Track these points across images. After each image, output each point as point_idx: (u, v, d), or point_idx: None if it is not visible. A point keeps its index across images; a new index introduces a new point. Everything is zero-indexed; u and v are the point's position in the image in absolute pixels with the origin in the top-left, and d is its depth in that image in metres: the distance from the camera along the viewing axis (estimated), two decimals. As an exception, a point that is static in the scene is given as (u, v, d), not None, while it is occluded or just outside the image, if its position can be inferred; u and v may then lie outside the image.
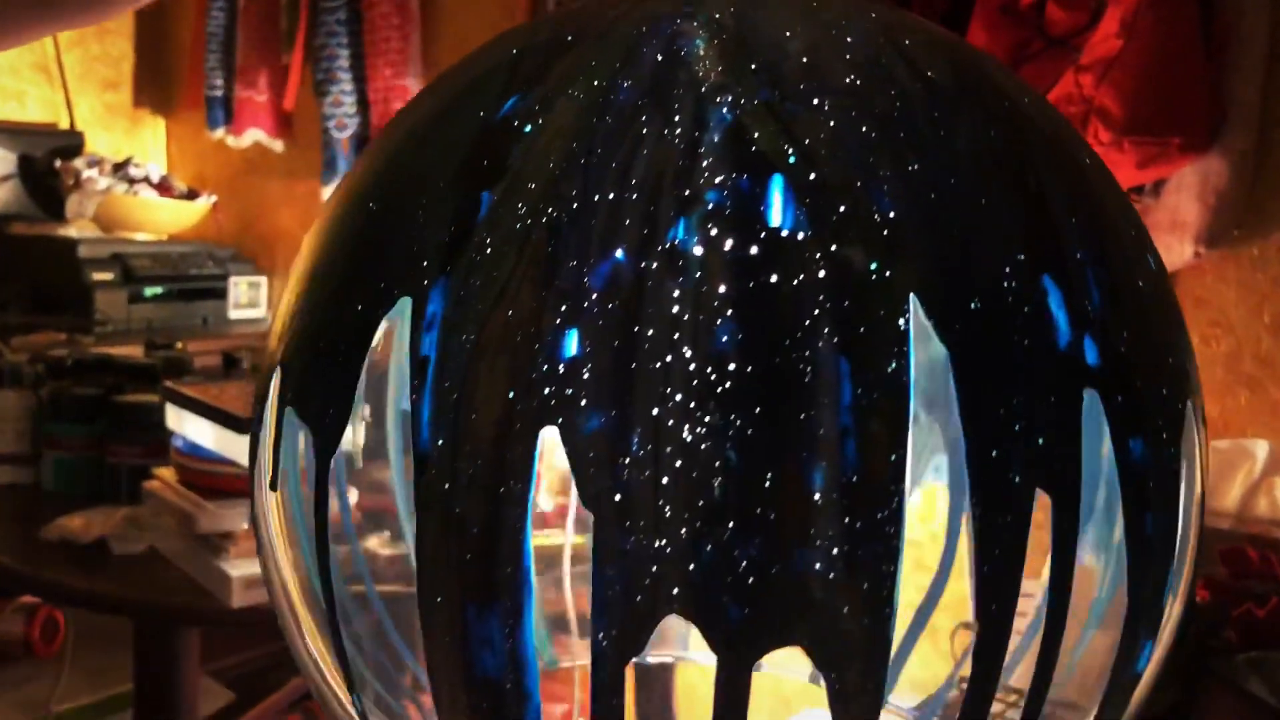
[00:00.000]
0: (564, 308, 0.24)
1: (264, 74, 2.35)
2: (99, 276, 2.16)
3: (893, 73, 0.27)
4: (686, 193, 0.25)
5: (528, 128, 0.27)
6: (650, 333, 0.24)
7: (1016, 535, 0.24)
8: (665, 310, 0.24)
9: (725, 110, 0.26)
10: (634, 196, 0.25)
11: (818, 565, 0.24)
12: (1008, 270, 0.25)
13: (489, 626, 0.25)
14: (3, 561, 1.18)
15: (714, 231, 0.24)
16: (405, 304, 0.26)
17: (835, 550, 0.24)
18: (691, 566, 0.24)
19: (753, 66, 0.27)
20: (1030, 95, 0.30)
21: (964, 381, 0.24)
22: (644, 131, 0.26)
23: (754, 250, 0.24)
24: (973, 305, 0.24)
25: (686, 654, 0.43)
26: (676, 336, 0.24)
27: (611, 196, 0.25)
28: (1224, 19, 1.27)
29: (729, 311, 0.24)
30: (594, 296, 0.24)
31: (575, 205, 0.25)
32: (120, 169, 2.33)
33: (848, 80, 0.27)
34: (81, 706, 1.39)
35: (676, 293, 0.24)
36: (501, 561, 0.25)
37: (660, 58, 0.27)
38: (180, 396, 1.20)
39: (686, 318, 0.24)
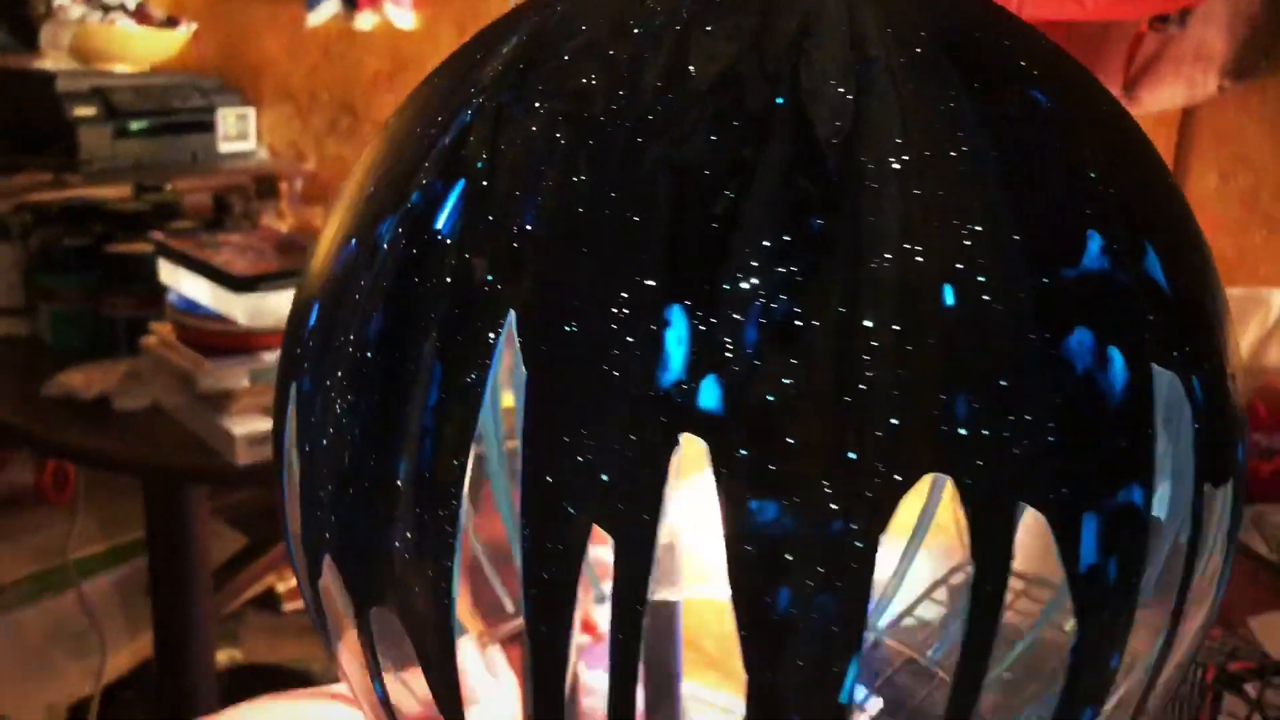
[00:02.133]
0: (318, 285, 0.29)
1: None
2: (80, 112, 2.08)
3: (640, 71, 0.25)
4: (402, 193, 0.27)
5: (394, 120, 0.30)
6: (341, 314, 0.27)
7: (567, 566, 0.24)
8: (352, 296, 0.27)
9: (469, 112, 0.27)
10: (382, 190, 0.28)
11: (397, 544, 0.26)
12: (626, 296, 0.23)
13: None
14: (7, 418, 1.18)
15: (399, 230, 0.26)
16: None
17: (409, 535, 0.26)
18: (333, 519, 0.28)
19: (520, 66, 0.27)
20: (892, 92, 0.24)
21: (532, 403, 0.23)
22: (416, 130, 0.28)
23: (413, 251, 0.26)
24: (567, 328, 0.23)
25: (692, 592, 0.44)
26: (350, 320, 0.27)
27: (373, 190, 0.28)
28: None
29: (380, 304, 0.26)
30: (332, 277, 0.28)
31: (358, 192, 0.29)
32: (94, -5, 2.23)
33: (583, 81, 0.26)
34: (97, 553, 1.41)
35: (362, 282, 0.27)
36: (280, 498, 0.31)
37: (480, 56, 0.28)
38: (174, 253, 1.18)
39: (359, 304, 0.27)
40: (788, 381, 0.22)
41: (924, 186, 0.23)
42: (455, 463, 0.25)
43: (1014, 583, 0.58)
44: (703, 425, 0.22)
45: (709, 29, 0.25)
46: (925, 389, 0.22)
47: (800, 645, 0.23)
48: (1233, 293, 1.16)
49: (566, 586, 0.24)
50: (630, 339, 0.23)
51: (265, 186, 1.64)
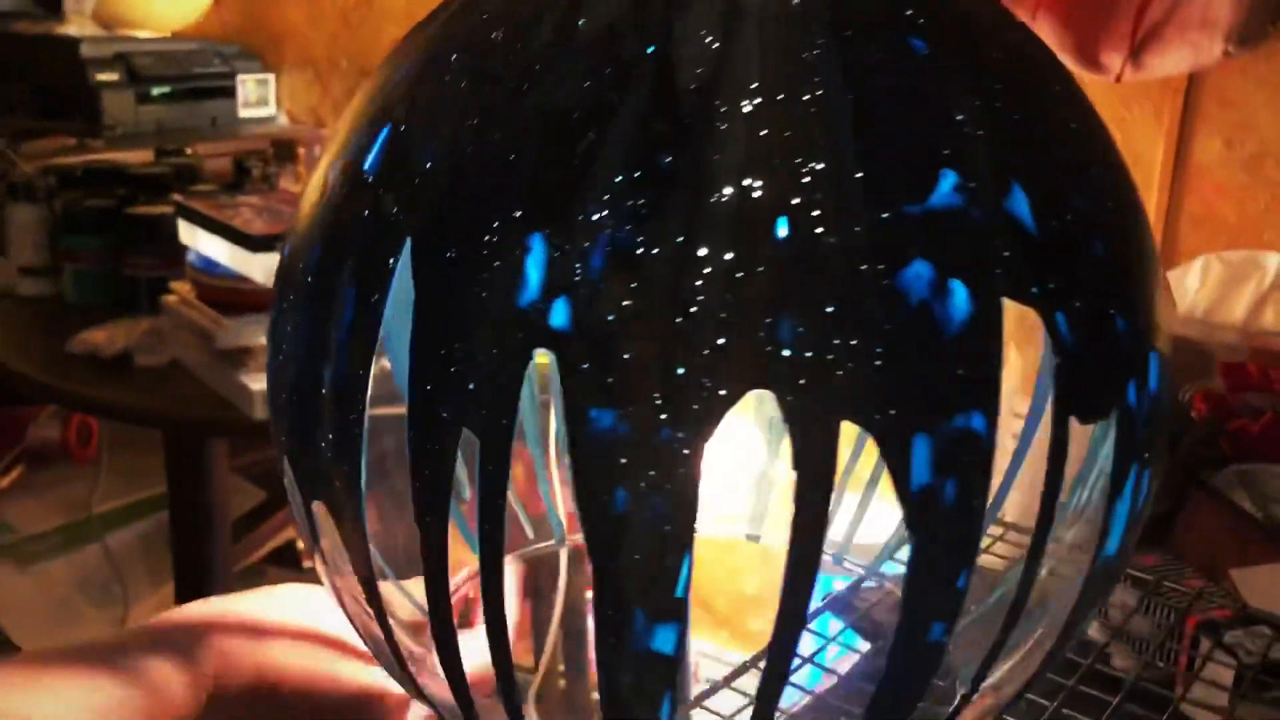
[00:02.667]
0: (295, 224, 0.32)
1: None
2: (104, 77, 2.11)
3: (536, 27, 0.27)
4: (350, 138, 0.30)
5: None
6: (299, 247, 0.31)
7: (442, 464, 0.26)
8: (307, 230, 0.31)
9: (406, 66, 0.30)
10: (340, 137, 0.31)
11: (322, 445, 0.29)
12: (496, 225, 0.25)
13: None
14: (33, 374, 1.22)
15: (339, 171, 0.30)
16: None
17: (330, 436, 0.29)
18: (285, 424, 0.31)
19: (452, 25, 0.30)
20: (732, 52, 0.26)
21: (418, 319, 0.26)
22: (374, 85, 0.31)
23: (345, 189, 0.29)
24: (449, 254, 0.26)
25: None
26: (303, 251, 0.30)
27: (336, 139, 0.32)
28: None
29: (319, 237, 0.30)
30: (301, 217, 0.32)
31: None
32: (116, -38, 2.25)
33: (490, 37, 0.28)
34: (120, 506, 1.45)
35: (313, 219, 0.31)
36: None
37: (434, 15, 0.32)
38: (193, 213, 1.21)
39: (309, 238, 0.30)
40: (627, 303, 0.24)
41: (771, 128, 0.25)
42: (361, 372, 0.28)
43: (992, 529, 0.60)
44: (552, 341, 0.25)
45: None
46: (752, 313, 0.24)
47: (637, 540, 0.25)
48: (1230, 256, 1.17)
49: (443, 482, 0.27)
50: (497, 263, 0.25)
51: (284, 151, 1.67)
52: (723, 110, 0.25)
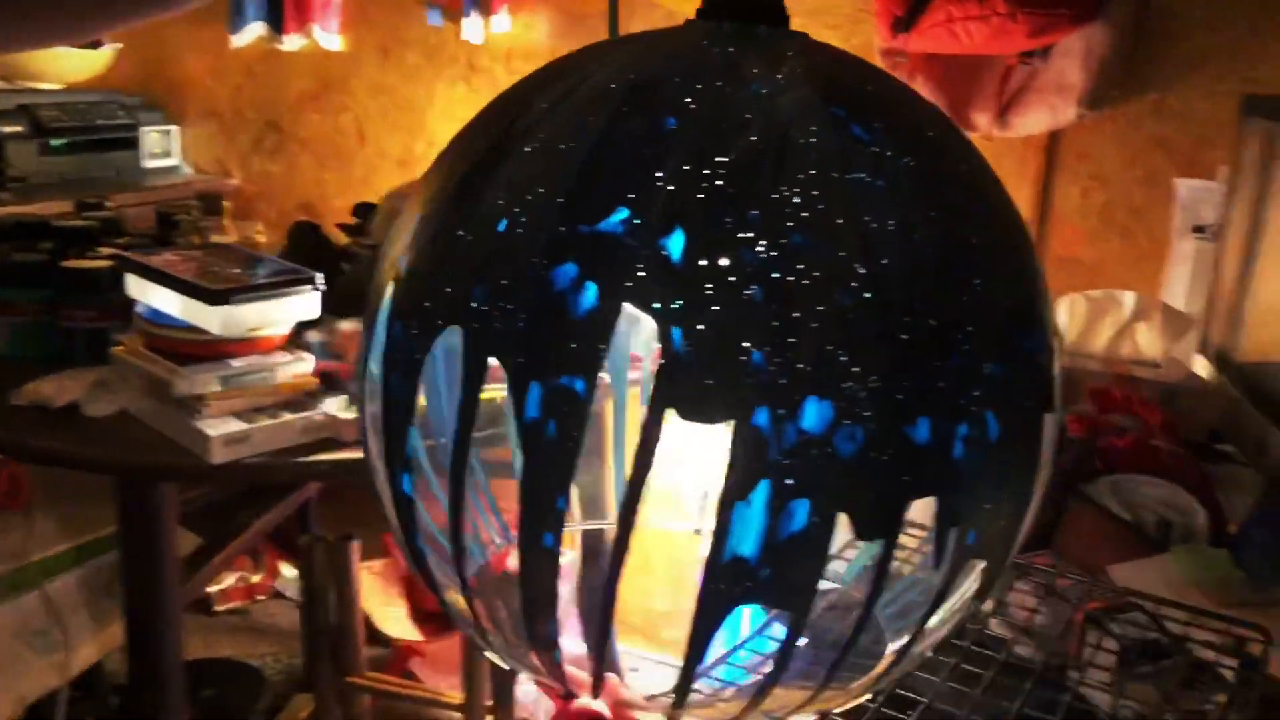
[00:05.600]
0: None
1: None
2: (7, 128, 2.12)
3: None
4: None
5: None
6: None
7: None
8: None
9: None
10: None
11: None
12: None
13: None
14: (-24, 427, 1.24)
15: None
16: None
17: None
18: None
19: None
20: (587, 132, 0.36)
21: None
22: None
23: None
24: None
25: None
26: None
27: None
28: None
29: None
30: None
31: None
32: (16, 15, 2.25)
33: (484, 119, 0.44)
34: (60, 553, 1.47)
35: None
36: None
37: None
38: (142, 268, 1.25)
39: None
40: (427, 261, 0.38)
41: (529, 164, 0.37)
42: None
43: (917, 532, 0.70)
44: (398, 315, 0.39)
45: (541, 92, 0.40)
46: (466, 276, 0.36)
47: (394, 414, 0.38)
48: (1092, 294, 1.33)
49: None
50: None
51: (211, 204, 1.72)
52: (511, 150, 0.37)
